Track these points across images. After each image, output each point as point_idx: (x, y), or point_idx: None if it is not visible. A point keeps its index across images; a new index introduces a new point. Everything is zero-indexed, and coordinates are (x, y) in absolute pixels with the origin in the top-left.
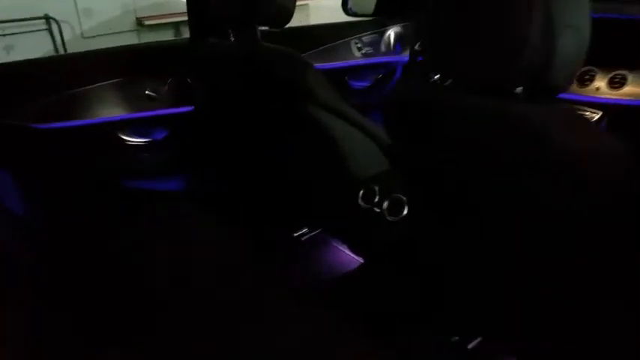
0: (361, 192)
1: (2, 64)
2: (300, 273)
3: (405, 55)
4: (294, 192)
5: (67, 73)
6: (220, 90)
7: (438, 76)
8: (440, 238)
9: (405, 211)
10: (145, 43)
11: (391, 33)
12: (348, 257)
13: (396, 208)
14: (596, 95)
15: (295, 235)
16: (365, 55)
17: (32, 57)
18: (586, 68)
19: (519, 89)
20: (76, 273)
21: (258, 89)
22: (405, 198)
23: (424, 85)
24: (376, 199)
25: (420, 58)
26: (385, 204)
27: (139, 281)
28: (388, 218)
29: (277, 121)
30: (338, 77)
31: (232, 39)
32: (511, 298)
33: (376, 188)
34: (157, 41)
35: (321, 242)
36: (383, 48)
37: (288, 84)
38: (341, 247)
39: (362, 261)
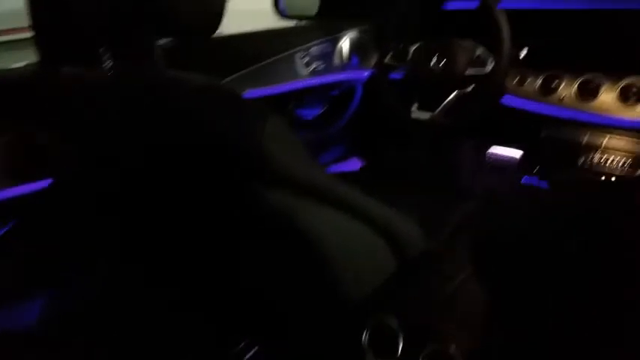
0: (367, 332)
1: None
2: None
3: (365, 70)
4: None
5: None
6: (98, 153)
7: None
8: None
9: None
10: None
11: (346, 40)
12: None
13: None
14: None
15: None
16: (314, 72)
17: None
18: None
19: None
20: None
21: (165, 156)
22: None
23: None
24: (400, 350)
25: (394, 75)
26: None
27: None
28: None
29: (201, 213)
30: (280, 106)
31: (109, 64)
32: None
33: (395, 324)
34: None
35: None
36: (337, 61)
37: (224, 149)
38: None
39: None
